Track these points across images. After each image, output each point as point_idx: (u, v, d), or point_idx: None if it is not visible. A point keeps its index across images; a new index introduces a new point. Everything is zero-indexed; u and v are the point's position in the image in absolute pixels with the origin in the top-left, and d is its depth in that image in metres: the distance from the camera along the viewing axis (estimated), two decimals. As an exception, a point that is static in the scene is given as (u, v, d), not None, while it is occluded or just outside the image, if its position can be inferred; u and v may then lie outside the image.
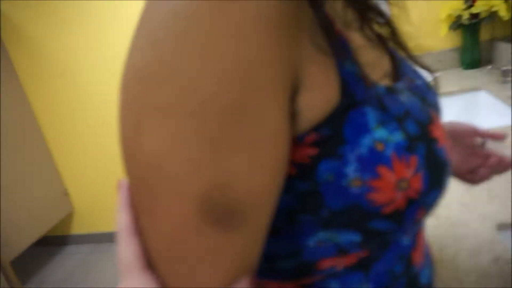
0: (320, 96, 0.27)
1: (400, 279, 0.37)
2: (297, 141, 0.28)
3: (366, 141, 0.28)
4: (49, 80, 2.45)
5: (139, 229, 0.28)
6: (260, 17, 0.23)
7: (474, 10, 1.52)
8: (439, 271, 0.60)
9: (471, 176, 0.59)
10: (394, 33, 0.38)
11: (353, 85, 0.28)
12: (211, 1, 0.22)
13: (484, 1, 1.50)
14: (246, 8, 0.22)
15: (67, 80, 2.42)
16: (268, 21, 0.23)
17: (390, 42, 0.40)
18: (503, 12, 1.46)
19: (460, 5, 1.57)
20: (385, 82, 0.33)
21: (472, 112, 1.47)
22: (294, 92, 0.26)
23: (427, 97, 0.38)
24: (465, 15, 1.55)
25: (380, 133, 0.28)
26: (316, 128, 0.27)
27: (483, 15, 1.53)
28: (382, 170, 0.28)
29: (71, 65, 2.38)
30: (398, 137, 0.29)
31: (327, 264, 0.33)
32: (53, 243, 2.89)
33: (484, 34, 1.70)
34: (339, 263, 0.33)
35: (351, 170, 0.28)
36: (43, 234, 2.46)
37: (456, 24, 1.61)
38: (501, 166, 0.57)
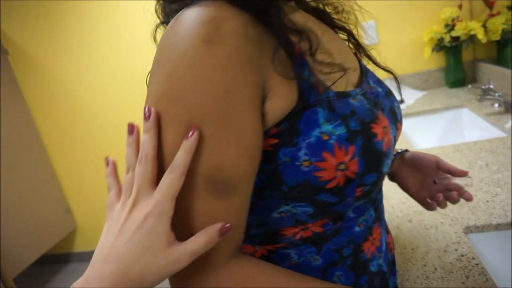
0: (280, 102, 0.38)
1: (347, 260, 0.47)
2: (263, 135, 0.39)
3: (315, 133, 0.39)
4: (54, 101, 2.55)
5: None
6: (235, 55, 0.35)
7: (454, 33, 1.63)
8: (410, 268, 0.67)
9: (428, 203, 0.65)
10: (359, 46, 0.55)
11: (307, 92, 0.39)
12: (203, 47, 0.35)
13: (463, 25, 1.61)
14: (225, 50, 0.35)
15: (72, 102, 2.52)
16: (240, 57, 0.35)
17: (359, 52, 0.57)
18: (480, 36, 1.56)
19: (441, 29, 1.69)
20: (347, 88, 0.44)
21: (456, 127, 1.56)
22: (263, 100, 0.38)
23: (381, 101, 0.48)
24: (447, 38, 1.66)
25: (326, 127, 0.39)
26: (277, 124, 0.39)
27: (463, 38, 1.64)
28: (326, 155, 0.39)
29: (76, 87, 2.48)
30: (341, 130, 0.39)
31: (288, 232, 0.44)
32: (56, 260, 2.94)
33: (467, 55, 1.81)
34: (298, 233, 0.44)
35: (302, 154, 0.39)
36: (46, 252, 2.51)
37: (439, 46, 1.71)
38: (450, 199, 0.62)
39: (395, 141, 0.50)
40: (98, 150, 2.60)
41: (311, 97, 0.39)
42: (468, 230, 0.75)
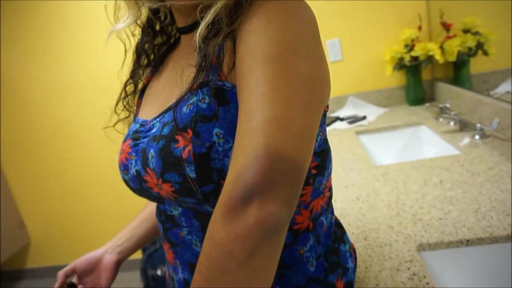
0: None
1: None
2: None
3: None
4: (10, 111, 2.43)
5: None
6: None
7: (413, 53, 1.68)
8: (363, 286, 0.66)
9: None
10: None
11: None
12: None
13: (422, 46, 1.67)
14: None
15: (29, 113, 2.41)
16: None
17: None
18: (438, 56, 1.63)
19: (401, 48, 1.74)
20: (141, 115, 0.60)
21: (415, 144, 1.60)
22: None
23: (137, 130, 0.56)
24: (407, 58, 1.71)
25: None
26: None
27: (421, 58, 1.70)
28: None
29: (34, 97, 2.38)
30: None
31: None
32: (7, 278, 2.76)
33: (426, 74, 1.88)
34: None
35: None
36: (-4, 268, 2.35)
37: (400, 65, 1.77)
38: None
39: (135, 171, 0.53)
40: (54, 162, 2.49)
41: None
42: (421, 248, 0.75)
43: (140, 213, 0.77)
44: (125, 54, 0.64)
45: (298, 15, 0.42)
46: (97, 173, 2.47)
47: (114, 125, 0.65)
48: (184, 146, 0.44)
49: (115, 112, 0.64)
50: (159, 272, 2.18)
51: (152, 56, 0.65)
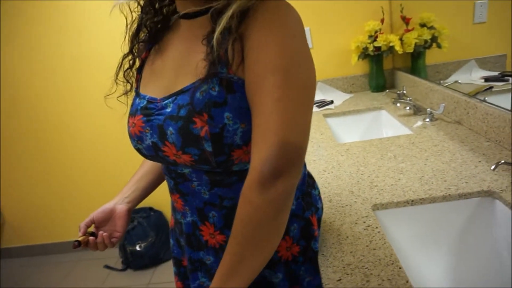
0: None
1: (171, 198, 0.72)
2: None
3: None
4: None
5: None
6: None
7: (376, 44, 1.85)
8: (327, 237, 0.81)
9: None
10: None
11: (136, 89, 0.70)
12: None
13: (384, 37, 1.84)
14: None
15: (7, 89, 2.40)
16: None
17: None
18: (398, 47, 1.80)
19: (366, 39, 1.90)
20: (146, 92, 0.66)
21: (376, 126, 1.78)
22: None
23: (146, 106, 0.64)
24: (370, 48, 1.88)
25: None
26: None
27: (383, 48, 1.87)
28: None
29: (10, 71, 2.36)
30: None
31: None
32: (-22, 258, 2.75)
33: (387, 63, 2.06)
34: None
35: None
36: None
37: (364, 55, 1.93)
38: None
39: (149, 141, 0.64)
40: (29, 141, 2.49)
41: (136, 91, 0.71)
42: (375, 207, 0.91)
43: (140, 168, 0.87)
44: (126, 30, 0.70)
45: (294, 22, 0.55)
46: (73, 152, 2.50)
47: (118, 97, 0.72)
48: (201, 127, 0.54)
49: (115, 83, 0.71)
50: (137, 248, 2.28)
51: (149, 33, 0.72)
